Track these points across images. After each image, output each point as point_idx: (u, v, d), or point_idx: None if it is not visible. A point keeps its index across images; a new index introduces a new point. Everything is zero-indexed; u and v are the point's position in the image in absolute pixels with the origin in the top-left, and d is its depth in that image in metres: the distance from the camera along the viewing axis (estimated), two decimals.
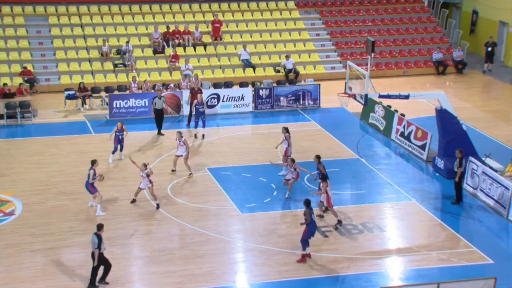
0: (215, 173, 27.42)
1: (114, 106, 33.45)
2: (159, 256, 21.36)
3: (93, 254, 19.58)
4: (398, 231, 23.48)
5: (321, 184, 23.57)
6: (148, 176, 24.16)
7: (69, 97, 34.90)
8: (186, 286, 19.95)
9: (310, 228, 21.08)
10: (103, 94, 35.72)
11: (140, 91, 34.62)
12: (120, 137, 28.23)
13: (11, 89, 34.15)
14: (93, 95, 35.40)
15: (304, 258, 21.17)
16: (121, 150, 28.52)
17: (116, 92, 35.76)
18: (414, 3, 46.21)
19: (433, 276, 20.42)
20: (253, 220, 23.99)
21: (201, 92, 32.29)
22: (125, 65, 38.62)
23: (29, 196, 25.30)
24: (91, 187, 23.86)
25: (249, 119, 34.15)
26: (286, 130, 27.41)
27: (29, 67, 37.42)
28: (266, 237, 22.72)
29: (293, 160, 25.30)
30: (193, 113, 31.35)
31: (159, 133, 31.46)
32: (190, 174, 26.97)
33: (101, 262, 19.73)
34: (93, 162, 23.92)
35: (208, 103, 34.18)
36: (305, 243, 21.14)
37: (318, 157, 24.54)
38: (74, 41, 39.58)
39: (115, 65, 38.67)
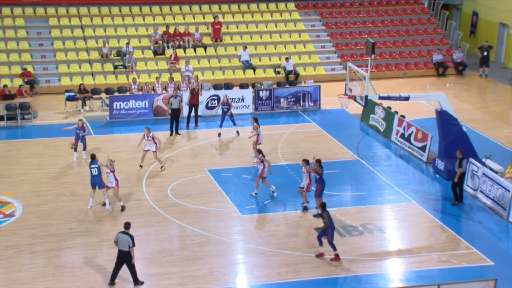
0: (215, 175, 27.42)
1: (114, 107, 33.45)
2: (159, 257, 21.35)
3: (129, 254, 19.57)
4: (398, 233, 23.48)
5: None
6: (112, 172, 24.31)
7: (69, 99, 34.90)
8: None
9: (331, 229, 21.25)
10: (103, 95, 35.72)
11: (141, 93, 34.62)
12: (80, 135, 28.45)
13: (11, 91, 34.16)
14: (93, 96, 35.41)
15: (337, 257, 21.36)
16: (84, 149, 28.72)
17: (116, 94, 35.77)
18: (414, 4, 46.23)
19: (434, 278, 20.42)
20: (253, 221, 23.99)
21: (201, 94, 32.42)
22: (125, 67, 38.64)
23: (29, 198, 25.30)
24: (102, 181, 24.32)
25: (249, 120, 34.05)
26: (255, 120, 28.36)
27: (29, 68, 37.44)
28: (266, 238, 22.71)
29: (259, 151, 25.65)
30: (219, 113, 31.92)
31: (177, 132, 31.52)
32: (162, 167, 27.52)
33: (122, 261, 19.73)
34: (94, 157, 24.47)
35: (208, 105, 34.24)
36: (332, 245, 21.34)
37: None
38: (74, 43, 39.60)
39: (115, 67, 38.69)
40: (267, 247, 22.15)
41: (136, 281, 19.90)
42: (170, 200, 25.22)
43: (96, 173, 24.14)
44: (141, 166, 27.87)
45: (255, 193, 25.60)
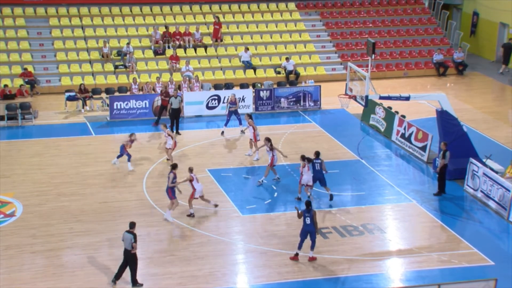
0: (216, 174, 27.42)
1: (115, 107, 33.45)
2: (160, 257, 21.36)
3: (129, 252, 19.65)
4: (399, 233, 23.48)
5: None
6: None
7: (69, 99, 34.89)
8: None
9: (302, 229, 21.26)
10: (103, 95, 35.72)
11: (141, 93, 34.62)
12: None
13: (12, 91, 34.14)
14: (94, 96, 35.40)
15: (295, 257, 21.40)
16: (127, 159, 28.23)
17: (116, 94, 35.76)
18: (415, 4, 46.22)
19: (434, 278, 20.43)
20: (254, 221, 23.99)
21: (170, 96, 32.22)
22: (125, 67, 38.63)
23: (29, 198, 25.30)
24: (170, 192, 23.52)
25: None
26: (249, 116, 28.87)
27: (30, 68, 37.43)
28: (266, 238, 22.71)
29: (268, 140, 26.31)
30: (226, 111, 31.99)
31: (177, 132, 31.51)
32: (168, 160, 28.08)
33: (129, 260, 19.78)
34: (174, 166, 23.70)
35: (209, 105, 34.24)
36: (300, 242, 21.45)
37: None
38: (74, 43, 39.60)
39: (116, 67, 38.68)
40: (268, 247, 22.15)
41: (134, 282, 19.87)
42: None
43: (167, 181, 23.60)
44: (167, 159, 28.23)
45: (262, 181, 26.25)
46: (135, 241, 19.58)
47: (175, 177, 23.47)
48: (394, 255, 22.05)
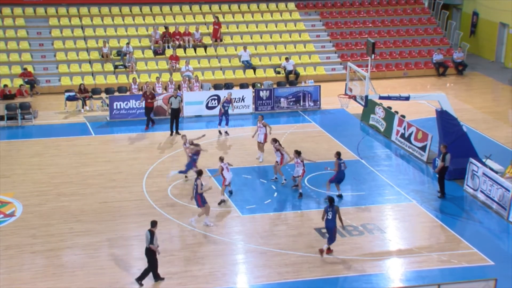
0: None
1: (115, 107, 33.45)
2: (160, 257, 21.29)
3: (148, 250, 19.78)
4: (399, 233, 23.48)
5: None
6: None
7: (69, 99, 34.89)
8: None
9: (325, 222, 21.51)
10: (103, 95, 35.71)
11: (141, 93, 34.58)
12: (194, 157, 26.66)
13: (12, 91, 34.14)
14: (94, 96, 35.39)
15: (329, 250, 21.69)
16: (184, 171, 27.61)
17: (116, 94, 35.75)
18: (415, 4, 46.23)
19: (434, 278, 20.43)
20: (254, 221, 23.99)
21: (154, 97, 32.26)
22: (125, 67, 38.63)
23: (29, 198, 25.30)
24: (199, 199, 23.08)
25: (249, 120, 34.14)
26: (262, 117, 28.90)
27: (30, 68, 37.43)
28: (266, 238, 22.71)
29: (275, 140, 26.64)
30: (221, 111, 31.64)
31: (177, 132, 31.48)
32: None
33: (147, 257, 19.93)
34: (200, 173, 23.32)
35: (209, 105, 34.23)
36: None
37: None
38: (74, 43, 39.60)
39: (116, 67, 38.68)
40: (268, 247, 22.15)
41: (140, 279, 19.98)
42: (170, 200, 25.21)
43: (195, 188, 23.04)
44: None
45: (284, 179, 26.58)
46: (151, 241, 19.70)
47: (202, 184, 23.14)
48: (394, 255, 22.05)
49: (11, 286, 19.84)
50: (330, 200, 21.47)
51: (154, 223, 20.00)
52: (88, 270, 20.64)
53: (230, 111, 31.71)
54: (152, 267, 20.01)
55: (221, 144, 30.85)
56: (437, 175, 25.94)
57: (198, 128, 32.82)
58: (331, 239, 21.50)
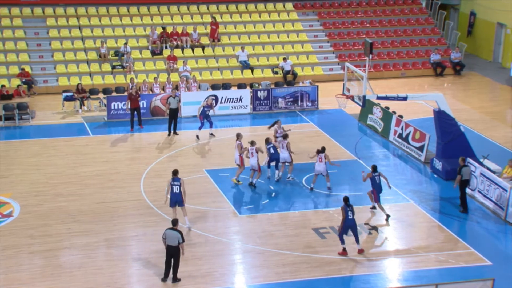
0: (213, 175, 27.42)
1: (112, 107, 33.44)
2: (157, 257, 21.33)
3: (177, 249, 19.94)
4: (397, 233, 23.50)
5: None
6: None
7: (67, 99, 34.87)
8: None
9: (344, 224, 21.44)
10: (101, 95, 35.67)
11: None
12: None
13: (9, 91, 34.13)
14: (91, 96, 35.36)
15: (344, 252, 21.65)
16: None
17: (114, 94, 35.72)
18: (412, 4, 46.26)
19: (432, 278, 20.45)
20: (252, 221, 24.00)
21: (139, 97, 32.24)
22: (123, 67, 38.62)
23: (27, 198, 25.29)
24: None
25: (247, 120, 34.16)
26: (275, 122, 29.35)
27: (27, 68, 37.40)
28: (264, 238, 22.72)
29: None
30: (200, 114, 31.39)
31: (175, 133, 31.44)
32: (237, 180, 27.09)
33: (171, 256, 20.03)
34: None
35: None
36: (341, 237, 21.62)
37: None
38: (72, 43, 39.57)
39: (113, 67, 38.65)
40: (265, 247, 22.16)
41: (175, 279, 20.08)
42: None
43: (178, 190, 22.75)
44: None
45: (292, 178, 27.08)
46: (183, 240, 19.88)
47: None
48: (391, 255, 22.07)
49: (9, 287, 19.83)
50: (345, 199, 21.64)
51: (176, 221, 20.20)
52: (86, 270, 20.63)
53: (211, 113, 31.48)
54: (178, 262, 20.08)
55: (219, 144, 30.82)
56: (459, 191, 24.93)
57: (196, 128, 32.78)
58: (358, 238, 21.68)
